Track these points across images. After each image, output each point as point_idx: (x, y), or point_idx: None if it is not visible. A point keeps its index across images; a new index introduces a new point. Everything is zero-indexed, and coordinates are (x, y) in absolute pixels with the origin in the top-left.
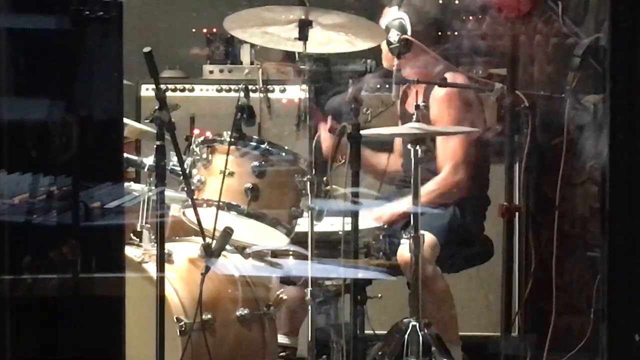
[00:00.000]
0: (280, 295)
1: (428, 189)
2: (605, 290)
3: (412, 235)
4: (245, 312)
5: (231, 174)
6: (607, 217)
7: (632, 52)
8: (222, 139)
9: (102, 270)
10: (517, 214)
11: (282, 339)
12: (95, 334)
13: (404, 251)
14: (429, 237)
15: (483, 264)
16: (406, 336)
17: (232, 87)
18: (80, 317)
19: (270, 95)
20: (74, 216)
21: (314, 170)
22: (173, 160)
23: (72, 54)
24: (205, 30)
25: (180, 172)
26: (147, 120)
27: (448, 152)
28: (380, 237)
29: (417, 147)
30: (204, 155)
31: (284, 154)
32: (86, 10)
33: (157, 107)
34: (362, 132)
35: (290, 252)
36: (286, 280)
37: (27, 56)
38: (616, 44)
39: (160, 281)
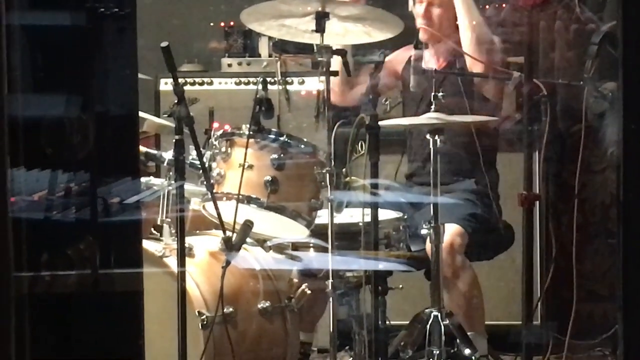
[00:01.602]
0: (304, 289)
1: None
2: (621, 282)
3: (432, 225)
4: (267, 304)
5: (250, 167)
6: (621, 207)
7: None
8: (241, 132)
9: (120, 266)
10: (537, 202)
11: None
12: (114, 330)
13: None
14: (455, 227)
15: (502, 253)
16: (428, 326)
17: (251, 79)
18: (99, 313)
19: (288, 87)
20: (92, 212)
21: (333, 162)
22: (192, 154)
23: (87, 51)
24: (222, 24)
25: (200, 166)
26: (166, 115)
27: None
28: (401, 227)
29: (437, 137)
30: (223, 149)
31: (303, 146)
32: (101, 7)
33: (175, 102)
34: (380, 122)
35: (311, 245)
36: (307, 273)
37: (42, 54)
38: (629, 35)
39: (181, 275)
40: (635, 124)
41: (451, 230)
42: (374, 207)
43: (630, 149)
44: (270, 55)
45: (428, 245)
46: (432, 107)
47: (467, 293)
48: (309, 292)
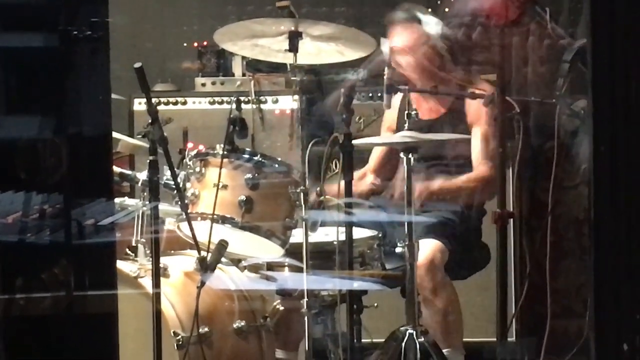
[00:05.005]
0: (277, 306)
1: (462, 183)
2: (593, 300)
3: (406, 243)
4: (242, 324)
5: (225, 186)
6: (592, 227)
7: (613, 65)
8: (215, 152)
9: (95, 287)
10: (510, 220)
11: (281, 354)
12: (90, 352)
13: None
14: (436, 244)
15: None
16: (403, 344)
17: (225, 99)
18: (74, 335)
19: (262, 106)
20: (66, 234)
21: (307, 181)
22: (166, 174)
23: (60, 73)
24: (196, 44)
25: (174, 186)
26: (140, 136)
27: (486, 151)
28: (375, 246)
29: (410, 156)
30: (197, 169)
31: (277, 165)
32: (74, 30)
33: (149, 122)
34: (354, 141)
35: (286, 264)
36: (282, 292)
37: (15, 76)
38: (597, 58)
39: (156, 296)
40: (605, 145)
41: (431, 246)
42: (349, 225)
43: (599, 172)
44: (243, 75)
45: None
46: (406, 125)
47: (447, 309)
48: (281, 308)
